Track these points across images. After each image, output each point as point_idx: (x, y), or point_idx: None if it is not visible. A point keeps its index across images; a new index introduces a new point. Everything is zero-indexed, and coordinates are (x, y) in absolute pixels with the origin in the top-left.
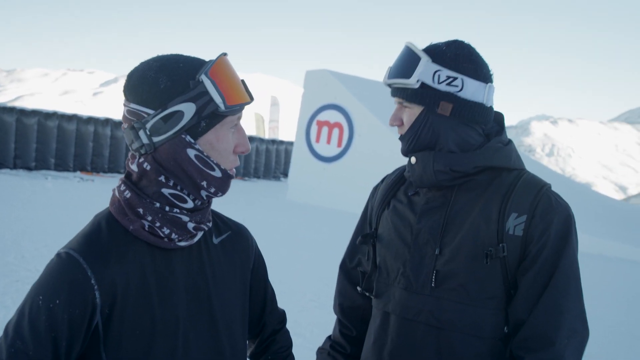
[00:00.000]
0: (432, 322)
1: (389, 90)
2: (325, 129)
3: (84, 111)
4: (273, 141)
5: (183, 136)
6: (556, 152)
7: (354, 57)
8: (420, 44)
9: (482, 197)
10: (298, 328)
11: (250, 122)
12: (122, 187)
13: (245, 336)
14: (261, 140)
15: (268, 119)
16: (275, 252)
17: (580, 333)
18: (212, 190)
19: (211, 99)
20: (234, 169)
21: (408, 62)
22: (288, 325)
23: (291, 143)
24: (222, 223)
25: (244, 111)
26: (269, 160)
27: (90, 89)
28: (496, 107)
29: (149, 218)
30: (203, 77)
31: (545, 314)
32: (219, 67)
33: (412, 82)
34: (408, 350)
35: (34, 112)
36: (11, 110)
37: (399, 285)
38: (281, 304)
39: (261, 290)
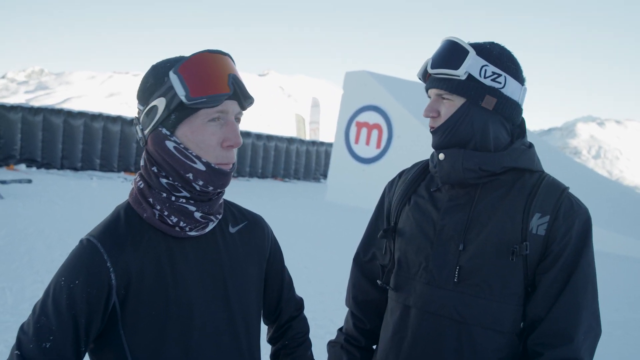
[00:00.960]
0: (454, 316)
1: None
2: (364, 130)
3: (129, 113)
4: (313, 142)
5: (160, 129)
6: (603, 154)
7: (393, 58)
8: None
9: (506, 196)
10: (333, 327)
11: (291, 123)
12: (138, 179)
13: (260, 322)
14: (301, 141)
15: (309, 120)
16: (311, 251)
17: (594, 330)
18: (201, 183)
19: (176, 92)
20: (231, 165)
21: (454, 54)
22: (324, 324)
23: (331, 144)
24: (239, 213)
25: (288, 110)
26: (309, 162)
27: (135, 91)
28: (541, 108)
29: (158, 207)
30: (170, 73)
31: (565, 312)
32: (193, 62)
33: (460, 73)
34: (428, 343)
35: (81, 114)
36: (59, 112)
37: (421, 280)
38: (318, 302)
39: (278, 278)
